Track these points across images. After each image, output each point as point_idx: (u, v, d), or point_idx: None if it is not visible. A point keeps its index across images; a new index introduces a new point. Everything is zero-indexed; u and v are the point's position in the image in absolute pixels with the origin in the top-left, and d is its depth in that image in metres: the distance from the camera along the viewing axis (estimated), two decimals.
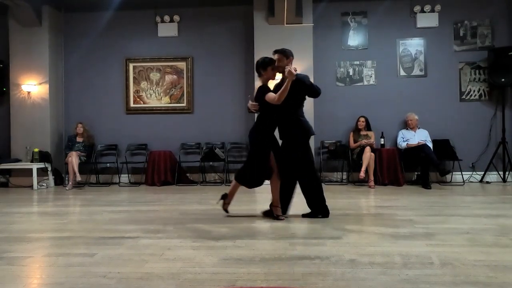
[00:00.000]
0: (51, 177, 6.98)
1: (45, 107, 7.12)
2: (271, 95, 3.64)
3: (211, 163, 7.15)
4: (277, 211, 3.77)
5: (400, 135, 6.69)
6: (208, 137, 7.25)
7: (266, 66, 3.76)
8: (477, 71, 6.93)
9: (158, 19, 7.32)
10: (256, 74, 4.04)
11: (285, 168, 3.74)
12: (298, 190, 5.91)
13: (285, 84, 3.52)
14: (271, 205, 3.86)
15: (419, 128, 6.67)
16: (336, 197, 5.28)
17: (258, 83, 6.76)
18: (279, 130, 3.84)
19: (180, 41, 7.37)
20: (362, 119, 6.69)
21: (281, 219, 3.69)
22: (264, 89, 3.76)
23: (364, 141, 6.53)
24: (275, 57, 3.78)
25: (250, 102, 3.80)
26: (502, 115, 6.68)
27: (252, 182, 3.79)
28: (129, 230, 3.36)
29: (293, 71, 3.52)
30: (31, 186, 6.64)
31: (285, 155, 3.73)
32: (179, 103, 7.38)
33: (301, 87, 3.67)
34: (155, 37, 7.38)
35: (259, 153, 3.68)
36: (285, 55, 3.81)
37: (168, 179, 6.83)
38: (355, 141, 6.66)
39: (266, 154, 3.67)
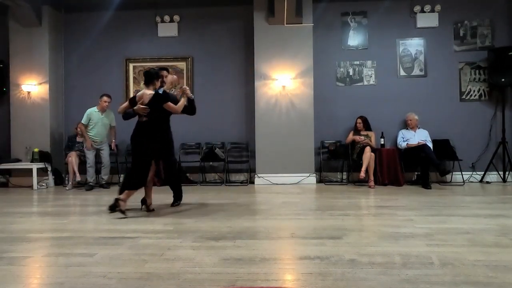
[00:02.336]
0: (51, 177, 6.98)
1: (45, 107, 7.12)
2: (172, 105, 4.17)
3: (211, 163, 7.15)
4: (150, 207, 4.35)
5: (400, 135, 6.68)
6: (208, 137, 7.25)
7: (159, 77, 4.27)
8: (477, 71, 6.93)
9: (158, 19, 7.32)
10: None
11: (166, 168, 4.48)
12: (296, 191, 5.92)
13: (183, 100, 4.30)
14: (144, 200, 4.37)
15: (419, 128, 6.67)
16: (336, 197, 5.28)
17: (258, 84, 6.81)
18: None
19: (180, 41, 7.37)
20: (359, 120, 6.67)
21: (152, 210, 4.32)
22: (165, 97, 4.19)
23: (357, 137, 6.54)
24: (163, 72, 4.46)
25: (140, 106, 4.08)
26: (502, 115, 6.68)
27: (140, 183, 4.11)
28: (129, 230, 3.36)
29: (190, 94, 4.42)
30: (31, 186, 6.64)
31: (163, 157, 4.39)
32: None
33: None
34: (155, 37, 7.38)
35: (148, 158, 4.12)
36: (169, 72, 4.69)
37: None
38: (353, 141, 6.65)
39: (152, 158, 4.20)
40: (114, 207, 3.97)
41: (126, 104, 4.28)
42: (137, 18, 7.41)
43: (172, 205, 4.61)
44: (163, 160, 4.42)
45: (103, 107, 6.55)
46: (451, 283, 2.03)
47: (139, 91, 4.23)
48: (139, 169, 4.07)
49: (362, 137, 6.54)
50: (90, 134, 6.51)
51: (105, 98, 6.53)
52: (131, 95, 7.41)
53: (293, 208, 4.43)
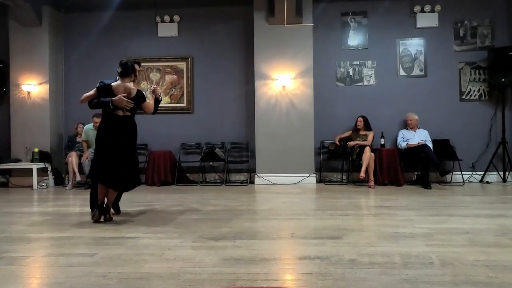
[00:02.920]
0: (51, 177, 6.98)
1: (45, 107, 7.12)
2: (148, 104, 4.05)
3: (211, 163, 7.15)
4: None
5: (400, 135, 6.68)
6: (208, 137, 7.25)
7: (134, 71, 4.03)
8: (477, 71, 6.93)
9: (158, 19, 7.32)
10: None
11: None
12: (296, 191, 5.91)
13: (154, 100, 4.14)
14: (107, 205, 3.85)
15: (419, 128, 6.67)
16: (336, 197, 5.28)
17: (258, 84, 6.79)
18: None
19: (180, 41, 7.37)
20: (360, 118, 6.69)
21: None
22: (144, 96, 4.03)
23: (337, 140, 6.74)
24: (137, 66, 4.15)
25: (124, 98, 3.77)
26: (502, 115, 6.67)
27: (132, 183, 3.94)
28: (129, 230, 3.36)
29: (159, 94, 4.26)
30: (31, 186, 6.64)
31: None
32: (179, 103, 7.38)
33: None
34: (155, 37, 7.38)
35: (134, 155, 3.98)
36: (140, 66, 4.39)
37: (168, 179, 6.83)
38: (352, 141, 6.67)
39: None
40: (105, 214, 3.79)
41: (92, 93, 3.90)
42: (137, 18, 7.41)
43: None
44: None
45: (95, 126, 6.55)
46: (451, 283, 2.03)
47: (104, 82, 3.90)
48: (136, 163, 3.95)
49: (338, 143, 6.74)
50: (90, 150, 6.62)
51: (95, 119, 6.56)
52: None
53: (293, 208, 4.43)
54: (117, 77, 3.95)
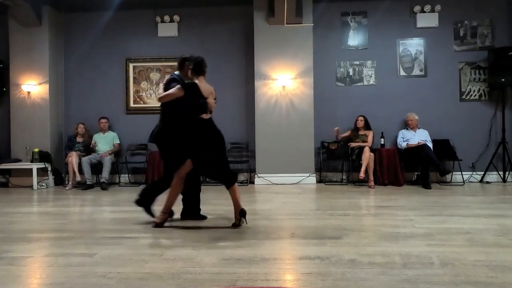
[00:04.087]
0: (51, 177, 6.98)
1: (45, 107, 7.12)
2: None
3: None
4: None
5: (400, 135, 6.68)
6: None
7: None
8: (477, 71, 6.93)
9: (158, 19, 7.31)
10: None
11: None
12: (296, 191, 5.89)
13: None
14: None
15: (419, 128, 6.66)
16: (336, 197, 5.28)
17: (258, 84, 6.79)
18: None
19: (180, 41, 7.36)
20: (361, 118, 6.68)
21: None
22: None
23: (341, 134, 6.71)
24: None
25: (213, 101, 3.58)
26: (502, 115, 6.67)
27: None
28: (129, 230, 3.36)
29: None
30: (31, 186, 6.64)
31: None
32: None
33: None
34: (155, 37, 7.37)
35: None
36: None
37: None
38: (352, 141, 6.67)
39: None
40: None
41: (175, 91, 3.46)
42: (137, 18, 7.40)
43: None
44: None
45: (102, 128, 7.09)
46: (451, 283, 2.03)
47: (179, 79, 3.53)
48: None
49: (336, 145, 6.83)
50: (97, 148, 6.94)
51: (100, 120, 7.09)
52: (131, 95, 7.42)
53: (293, 208, 4.43)
54: (175, 72, 3.67)
